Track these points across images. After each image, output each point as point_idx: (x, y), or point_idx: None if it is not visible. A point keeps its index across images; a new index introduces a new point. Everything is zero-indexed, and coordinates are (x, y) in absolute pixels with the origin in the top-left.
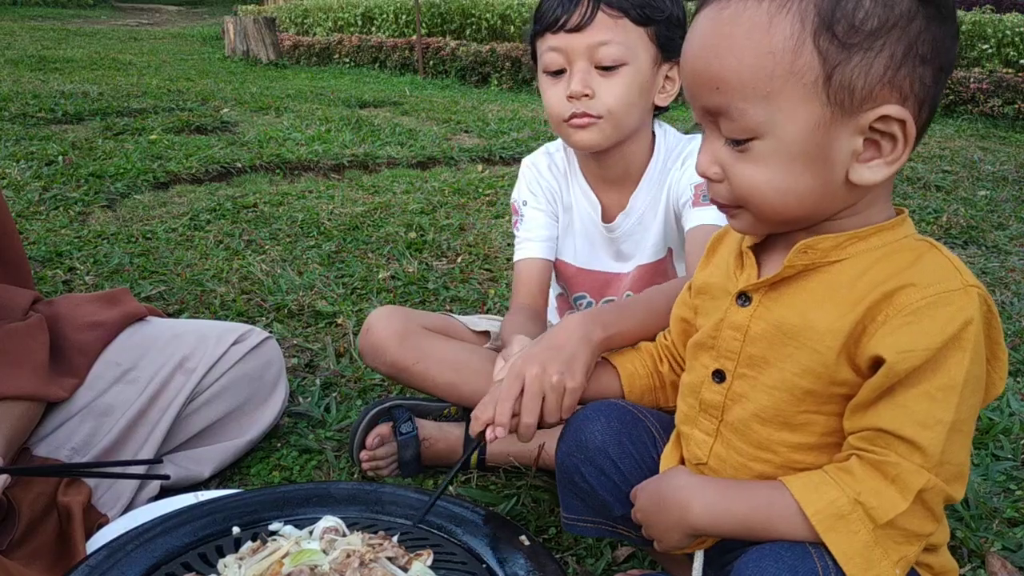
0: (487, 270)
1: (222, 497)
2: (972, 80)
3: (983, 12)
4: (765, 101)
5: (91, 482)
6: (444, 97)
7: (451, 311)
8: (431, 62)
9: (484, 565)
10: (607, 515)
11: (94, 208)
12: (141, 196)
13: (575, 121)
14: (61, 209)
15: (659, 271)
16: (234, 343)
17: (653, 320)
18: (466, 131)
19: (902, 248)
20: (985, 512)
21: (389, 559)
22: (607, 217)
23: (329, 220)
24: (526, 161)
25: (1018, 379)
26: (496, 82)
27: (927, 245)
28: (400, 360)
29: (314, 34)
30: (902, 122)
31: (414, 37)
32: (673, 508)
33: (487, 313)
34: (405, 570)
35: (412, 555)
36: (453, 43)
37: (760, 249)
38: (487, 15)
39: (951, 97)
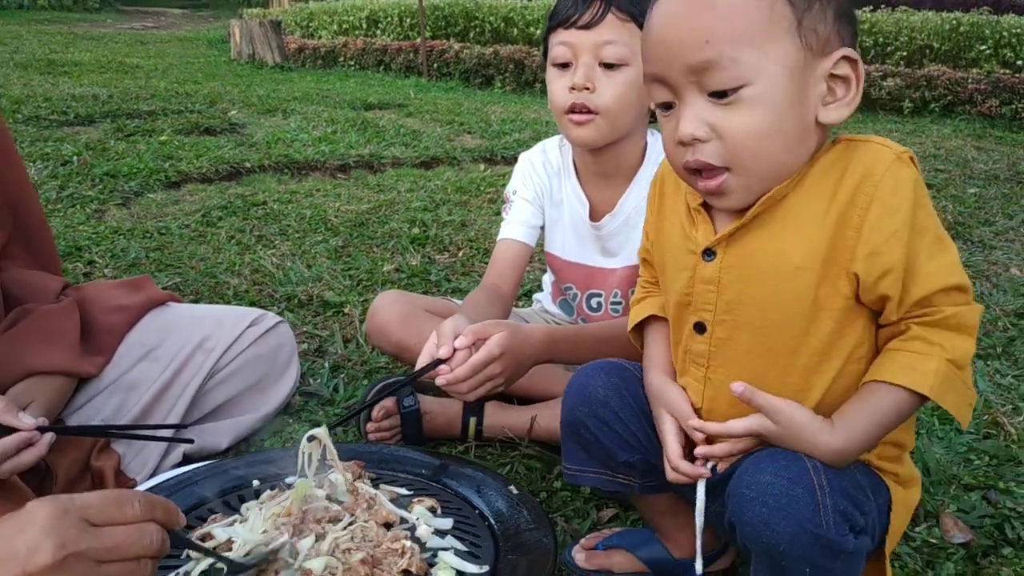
0: (487, 263)
1: (242, 456)
2: (970, 81)
3: (981, 13)
4: (753, 47)
5: (120, 449)
6: (448, 99)
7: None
8: (435, 65)
9: (476, 511)
10: (609, 464)
11: (109, 206)
12: (154, 195)
13: (575, 116)
14: (78, 207)
15: None
16: (249, 325)
17: (605, 349)
18: (469, 132)
19: (835, 159)
20: (944, 479)
21: (392, 501)
22: (595, 216)
23: (336, 217)
24: (523, 156)
25: (988, 362)
26: (500, 84)
27: (847, 142)
28: (403, 339)
29: (319, 37)
30: (855, 63)
31: (418, 40)
32: (828, 456)
33: None
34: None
35: (415, 500)
36: (457, 46)
37: (711, 209)
38: (490, 18)
39: (949, 97)
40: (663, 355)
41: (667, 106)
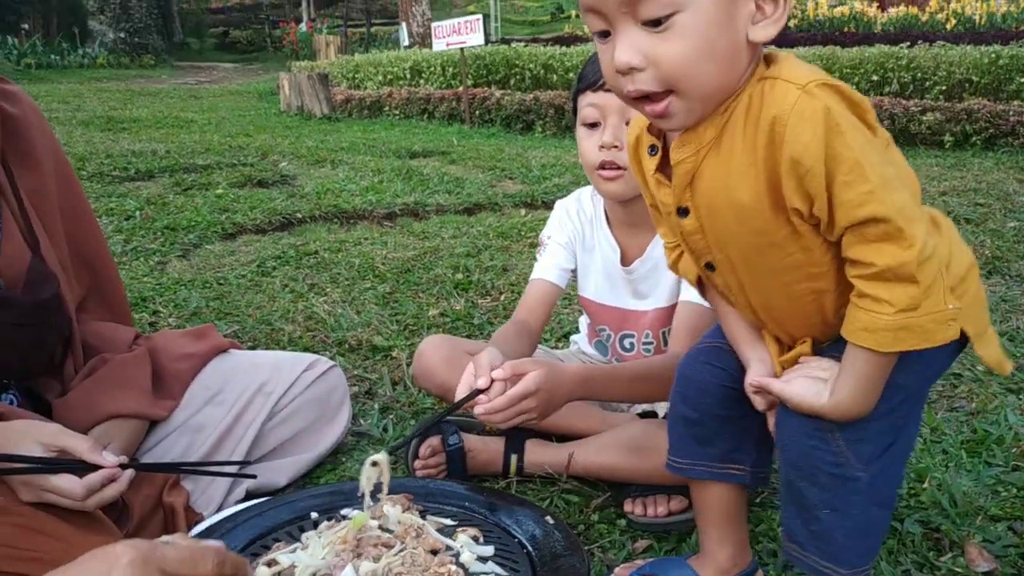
0: None
1: (302, 491)
2: (1012, 113)
3: (1020, 46)
4: None
5: (188, 486)
6: (490, 145)
7: None
8: (477, 111)
9: (515, 539)
10: (723, 456)
11: (171, 257)
12: (212, 246)
13: (604, 172)
14: (142, 259)
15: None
16: (305, 370)
17: (639, 387)
18: (510, 178)
19: (751, 101)
20: (971, 510)
21: (439, 531)
22: (626, 260)
23: (383, 264)
24: (559, 203)
25: (1020, 396)
26: (541, 129)
27: (761, 80)
28: (448, 381)
29: (365, 88)
30: None
31: (461, 88)
32: (828, 415)
33: None
34: (453, 539)
35: (459, 529)
36: (498, 93)
37: (664, 168)
38: (530, 65)
39: (990, 131)
40: (742, 328)
41: (604, 34)
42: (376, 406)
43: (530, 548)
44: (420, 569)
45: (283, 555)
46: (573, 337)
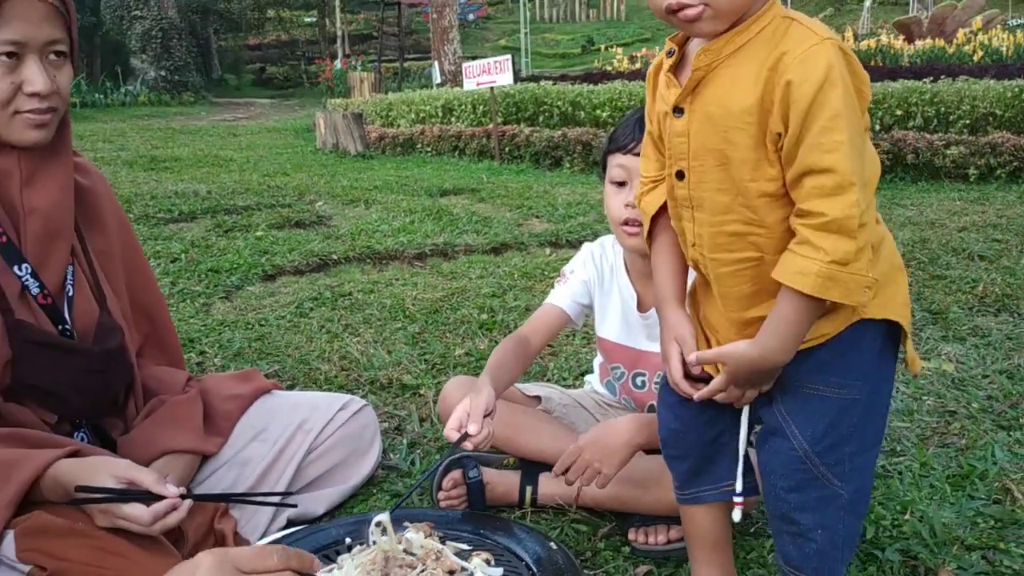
0: (549, 346)
1: (337, 520)
2: None
3: None
4: None
5: (236, 514)
6: (518, 182)
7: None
8: (507, 148)
9: (523, 562)
10: (715, 480)
11: (215, 299)
12: (253, 287)
13: (628, 228)
14: (188, 301)
15: None
16: (340, 409)
17: None
18: (536, 216)
19: (775, 29)
20: (948, 539)
21: (456, 554)
22: (643, 307)
23: (413, 305)
24: (586, 246)
25: (1010, 432)
26: (568, 164)
27: (789, 20)
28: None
29: (398, 126)
30: None
31: (491, 125)
32: (758, 363)
33: (547, 382)
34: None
35: (474, 553)
36: (527, 130)
37: (679, 73)
38: (559, 102)
39: (1014, 164)
40: (673, 284)
41: None
42: (404, 441)
43: (535, 569)
44: None
45: (321, 575)
46: (587, 377)
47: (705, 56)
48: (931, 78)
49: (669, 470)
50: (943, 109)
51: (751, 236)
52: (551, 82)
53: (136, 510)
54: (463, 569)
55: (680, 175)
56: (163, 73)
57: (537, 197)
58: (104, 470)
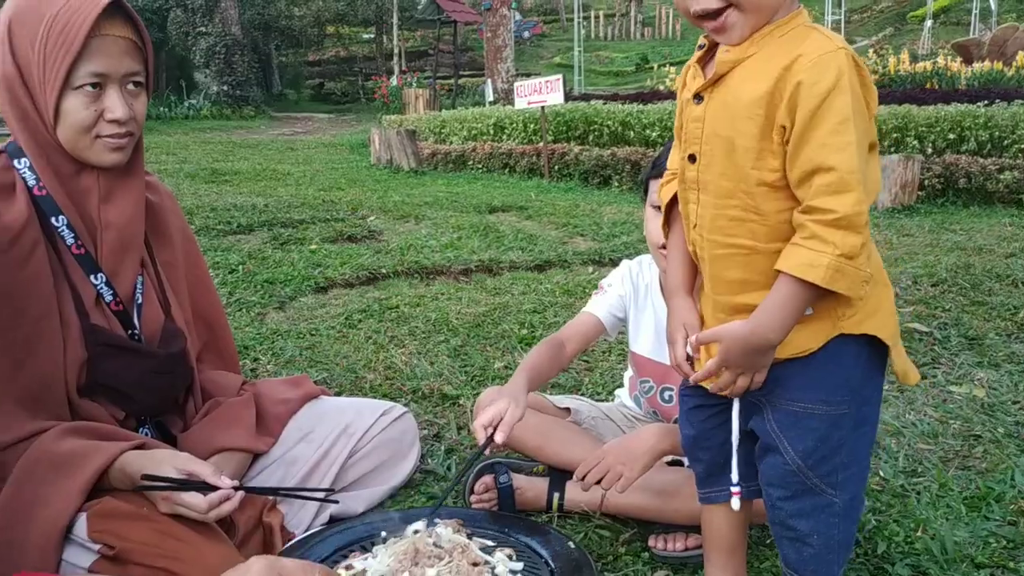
0: (584, 361)
1: (373, 515)
2: None
3: None
4: None
5: (283, 509)
6: (566, 200)
7: (551, 394)
8: (556, 166)
9: (542, 559)
10: (726, 482)
11: (269, 309)
12: (305, 299)
13: (665, 252)
14: (244, 310)
15: None
16: (381, 415)
17: None
18: (581, 235)
19: (796, 35)
20: (959, 557)
21: (481, 549)
22: None
23: (457, 319)
24: (625, 262)
25: None
26: (617, 184)
27: (812, 28)
28: None
29: (451, 143)
30: None
31: (541, 144)
32: (750, 340)
33: (580, 395)
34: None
35: (497, 548)
36: (577, 148)
37: (706, 65)
38: (608, 122)
39: None
40: (683, 273)
41: None
42: (442, 448)
43: (552, 563)
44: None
45: (358, 562)
46: (617, 391)
47: (728, 55)
48: (986, 102)
49: (693, 471)
50: (997, 134)
51: (749, 223)
52: (602, 101)
53: (194, 498)
54: (486, 562)
55: (692, 158)
56: (225, 87)
57: (583, 216)
58: (166, 462)
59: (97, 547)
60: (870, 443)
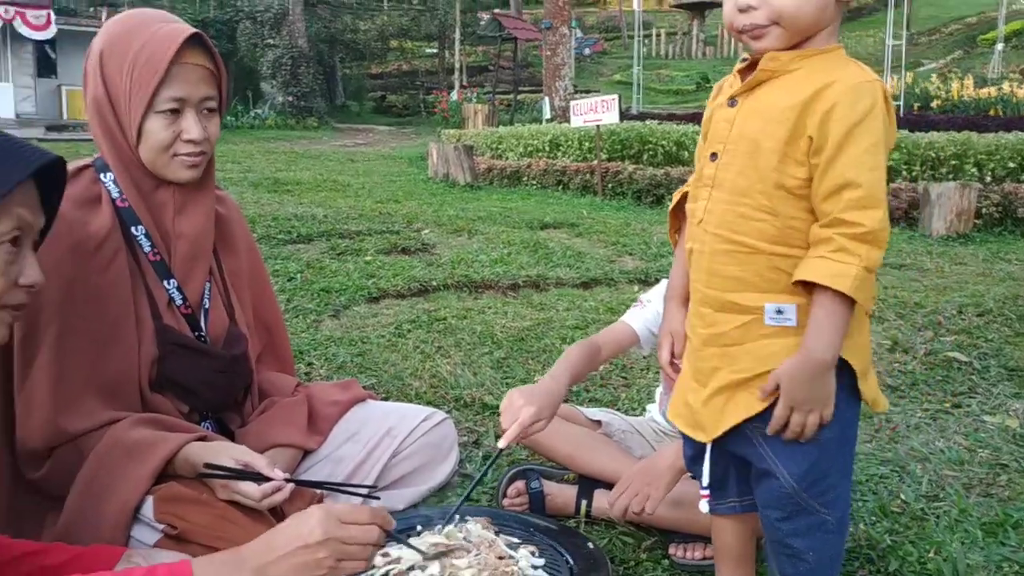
0: (623, 378)
1: (410, 511)
2: None
3: None
4: None
5: (329, 503)
6: (617, 219)
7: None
8: (610, 185)
9: (563, 556)
10: (735, 492)
11: (324, 317)
12: (358, 308)
13: None
14: (300, 317)
15: None
16: (423, 420)
17: None
18: (630, 254)
19: (835, 63)
20: None
21: (508, 545)
22: None
23: (501, 332)
24: (664, 280)
25: None
26: (670, 203)
27: (851, 60)
28: (537, 439)
29: (507, 158)
30: None
31: (595, 162)
32: (807, 366)
33: (615, 410)
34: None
35: (522, 545)
36: (631, 167)
37: (745, 76)
38: (663, 141)
39: None
40: (682, 284)
41: None
42: (480, 454)
43: (571, 560)
44: (490, 568)
45: (394, 550)
46: (648, 406)
47: (771, 64)
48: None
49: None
50: None
51: (758, 222)
52: (657, 121)
53: (249, 487)
54: (511, 557)
55: (714, 156)
56: (290, 98)
57: (633, 235)
58: (226, 453)
59: (161, 527)
60: (852, 461)
